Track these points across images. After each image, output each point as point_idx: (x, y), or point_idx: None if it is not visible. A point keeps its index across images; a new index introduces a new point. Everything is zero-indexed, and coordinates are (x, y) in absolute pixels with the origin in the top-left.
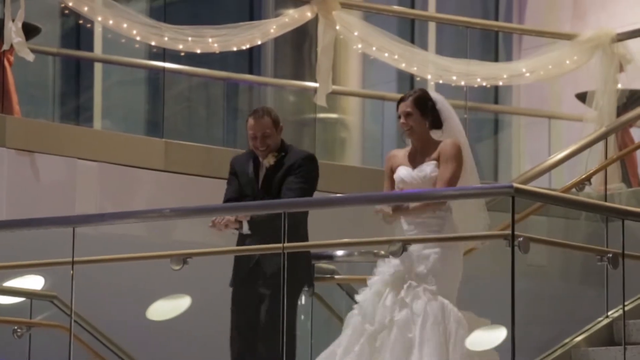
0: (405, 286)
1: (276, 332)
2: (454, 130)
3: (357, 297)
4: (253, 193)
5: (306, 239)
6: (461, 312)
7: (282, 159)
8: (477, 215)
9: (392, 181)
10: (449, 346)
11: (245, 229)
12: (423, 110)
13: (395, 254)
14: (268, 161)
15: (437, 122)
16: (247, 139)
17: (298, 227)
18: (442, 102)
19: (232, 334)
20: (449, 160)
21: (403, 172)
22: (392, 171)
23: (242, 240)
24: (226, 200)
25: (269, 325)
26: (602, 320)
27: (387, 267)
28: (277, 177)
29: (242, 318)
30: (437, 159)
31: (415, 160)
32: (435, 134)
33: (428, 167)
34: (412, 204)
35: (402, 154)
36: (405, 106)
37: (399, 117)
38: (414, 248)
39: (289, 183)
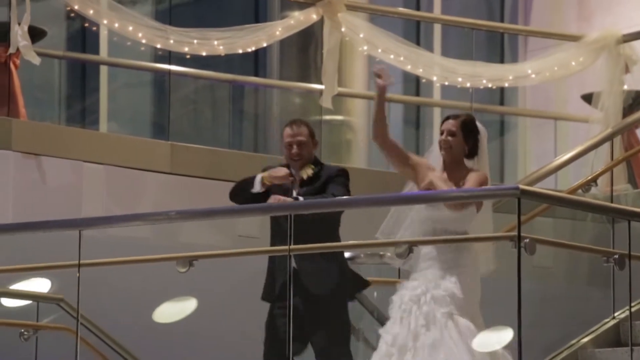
0: (424, 309)
1: (334, 344)
2: (482, 164)
3: (382, 331)
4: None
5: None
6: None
7: (319, 172)
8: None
9: (409, 162)
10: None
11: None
12: (467, 134)
13: (401, 256)
14: (306, 172)
15: (474, 150)
16: (282, 149)
17: (333, 231)
18: (484, 135)
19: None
20: (472, 182)
21: (439, 182)
22: (425, 168)
23: (275, 237)
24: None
25: (329, 347)
26: (608, 322)
27: (404, 290)
28: (314, 187)
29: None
30: (462, 185)
31: (445, 180)
32: (467, 162)
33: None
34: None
35: (434, 173)
36: (452, 125)
37: (442, 133)
38: (431, 272)
39: (330, 189)
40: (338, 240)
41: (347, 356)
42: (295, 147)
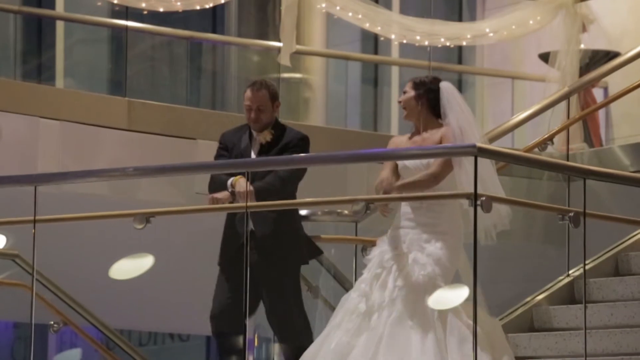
0: (400, 270)
1: (284, 310)
2: (462, 121)
3: (356, 283)
4: None
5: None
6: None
7: (279, 137)
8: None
9: (393, 168)
10: (446, 333)
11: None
12: (419, 92)
13: (358, 213)
14: (264, 137)
15: (435, 109)
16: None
17: (290, 194)
18: (448, 91)
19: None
20: (436, 142)
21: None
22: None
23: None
24: (213, 177)
25: (276, 302)
26: (563, 279)
27: (385, 246)
28: (271, 153)
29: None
30: (438, 142)
31: (417, 143)
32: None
33: None
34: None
35: (404, 139)
36: (406, 86)
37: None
38: (414, 233)
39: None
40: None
41: (299, 316)
42: (253, 112)
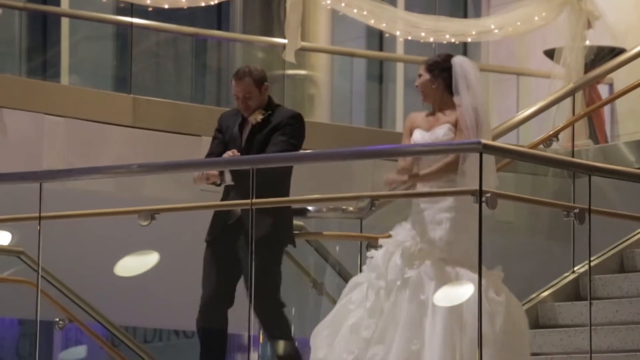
0: (416, 250)
1: (263, 293)
2: (474, 96)
3: (368, 254)
4: (237, 149)
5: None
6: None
7: (270, 117)
8: (488, 177)
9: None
10: (463, 314)
11: (228, 180)
12: (433, 72)
13: (363, 210)
14: (255, 118)
15: (451, 88)
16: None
17: (282, 184)
18: (461, 65)
19: (206, 291)
20: (465, 130)
21: (417, 135)
22: (410, 133)
23: (227, 194)
24: (208, 155)
25: (256, 285)
26: (568, 276)
27: (402, 231)
28: (262, 134)
29: (218, 275)
30: (454, 123)
31: (431, 122)
32: (456, 99)
33: (441, 130)
34: (422, 171)
35: (421, 116)
36: (420, 70)
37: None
38: (428, 213)
39: (274, 139)
40: (287, 192)
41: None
42: (240, 101)
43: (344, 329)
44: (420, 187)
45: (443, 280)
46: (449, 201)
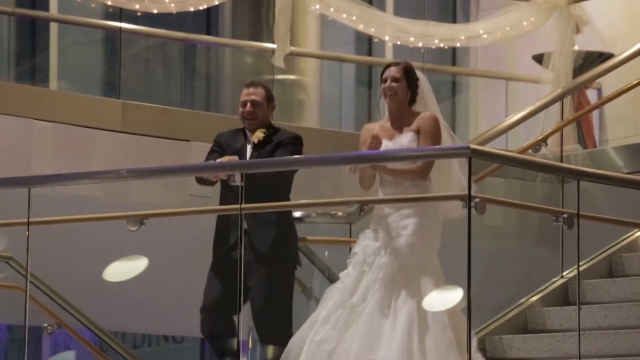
0: (382, 261)
1: (275, 315)
2: (431, 109)
3: (341, 274)
4: None
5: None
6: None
7: (271, 135)
8: (457, 183)
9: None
10: (428, 320)
11: (238, 180)
12: (409, 80)
13: (352, 215)
14: (257, 136)
15: (414, 97)
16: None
17: (282, 192)
18: (424, 81)
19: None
20: (430, 136)
21: (383, 146)
22: (371, 143)
23: (224, 199)
24: None
25: (267, 307)
26: (557, 281)
27: (367, 241)
28: (265, 150)
29: (224, 291)
30: (416, 131)
31: (392, 131)
32: (420, 107)
33: (405, 139)
34: (391, 165)
35: (377, 126)
36: (395, 72)
37: (385, 81)
38: (392, 219)
39: (277, 155)
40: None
41: (284, 317)
42: (249, 105)
43: (312, 344)
44: (407, 192)
45: (409, 291)
46: (413, 207)
